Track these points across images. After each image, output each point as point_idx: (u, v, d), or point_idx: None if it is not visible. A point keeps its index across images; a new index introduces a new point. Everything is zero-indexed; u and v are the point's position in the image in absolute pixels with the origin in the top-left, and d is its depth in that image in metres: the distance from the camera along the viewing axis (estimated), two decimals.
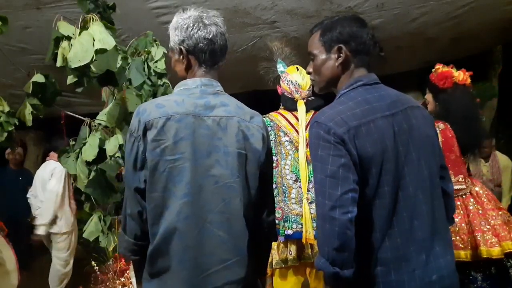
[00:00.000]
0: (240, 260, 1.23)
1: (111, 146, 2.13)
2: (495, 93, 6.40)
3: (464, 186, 2.44)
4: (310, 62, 1.35)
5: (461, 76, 2.80)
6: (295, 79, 2.62)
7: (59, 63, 2.06)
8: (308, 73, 1.37)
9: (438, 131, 2.47)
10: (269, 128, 2.39)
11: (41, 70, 2.18)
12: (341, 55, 1.28)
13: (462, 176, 2.47)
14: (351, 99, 1.24)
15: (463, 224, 2.35)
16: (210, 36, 1.28)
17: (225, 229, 1.21)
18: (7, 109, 2.25)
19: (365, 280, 1.17)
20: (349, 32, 1.27)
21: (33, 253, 5.68)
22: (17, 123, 2.25)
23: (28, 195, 3.74)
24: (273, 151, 2.33)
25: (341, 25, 1.28)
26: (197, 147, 1.21)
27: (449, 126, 2.53)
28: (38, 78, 2.12)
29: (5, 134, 2.23)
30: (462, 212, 2.37)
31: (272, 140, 2.30)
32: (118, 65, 2.05)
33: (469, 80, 2.82)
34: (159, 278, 1.23)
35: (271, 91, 7.09)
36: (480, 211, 2.35)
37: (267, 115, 2.55)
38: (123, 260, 2.49)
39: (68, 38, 2.06)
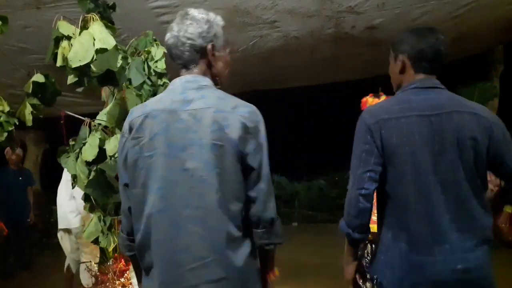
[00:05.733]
0: (221, 258, 1.18)
1: (111, 146, 2.13)
2: (496, 93, 6.39)
3: None
4: None
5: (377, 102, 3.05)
6: None
7: (59, 63, 2.06)
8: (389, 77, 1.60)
9: None
10: None
11: (41, 70, 2.17)
12: (399, 63, 1.49)
13: None
14: (396, 98, 1.47)
15: None
16: (173, 34, 1.33)
17: (201, 225, 1.18)
18: (7, 109, 2.24)
19: (387, 253, 1.39)
20: (408, 43, 1.47)
21: (33, 253, 5.69)
22: (17, 123, 2.25)
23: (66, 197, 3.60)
24: None
25: (402, 37, 1.50)
26: (172, 142, 1.21)
27: None
28: (38, 78, 2.11)
29: (5, 134, 2.23)
30: None
31: None
32: (118, 65, 2.05)
33: None
34: (150, 273, 1.26)
35: (271, 91, 7.11)
36: None
37: None
38: (123, 260, 2.49)
39: (68, 37, 2.06)
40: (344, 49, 4.83)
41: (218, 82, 1.39)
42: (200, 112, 1.22)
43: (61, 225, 3.69)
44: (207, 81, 1.32)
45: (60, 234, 3.75)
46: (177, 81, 1.33)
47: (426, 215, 1.33)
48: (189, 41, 1.30)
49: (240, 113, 1.23)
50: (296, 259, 4.22)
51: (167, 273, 1.21)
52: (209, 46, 1.32)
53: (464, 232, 1.33)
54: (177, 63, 1.35)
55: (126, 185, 1.30)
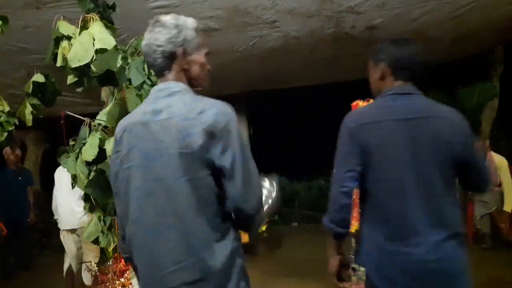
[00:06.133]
0: (196, 262, 1.22)
1: (111, 146, 2.13)
2: (496, 93, 6.39)
3: None
4: None
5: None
6: None
7: (59, 63, 2.06)
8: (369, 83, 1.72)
9: None
10: None
11: (41, 70, 2.17)
12: (379, 70, 1.62)
13: None
14: (376, 104, 1.62)
15: None
16: (144, 42, 1.37)
17: (177, 231, 1.23)
18: (7, 109, 2.24)
19: (368, 244, 1.53)
20: (387, 52, 1.60)
21: (33, 253, 5.69)
22: (17, 123, 2.25)
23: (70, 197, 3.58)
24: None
25: (382, 47, 1.63)
26: (146, 153, 1.27)
27: None
28: (38, 78, 2.11)
29: (5, 134, 2.23)
30: None
31: None
32: (118, 65, 2.04)
33: None
34: (137, 275, 1.37)
35: (271, 91, 7.11)
36: None
37: None
38: (123, 260, 2.49)
39: (68, 37, 2.06)
40: (344, 49, 4.83)
41: (196, 85, 1.40)
42: (167, 121, 1.25)
43: (65, 225, 3.68)
44: (180, 86, 1.33)
45: (63, 235, 3.73)
46: (152, 90, 1.38)
47: (401, 210, 1.45)
48: (159, 48, 1.33)
49: (204, 118, 1.23)
50: (296, 259, 4.22)
51: (148, 276, 1.29)
52: (179, 51, 1.33)
53: (436, 226, 1.44)
54: (153, 70, 1.39)
55: (116, 194, 1.41)
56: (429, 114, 1.51)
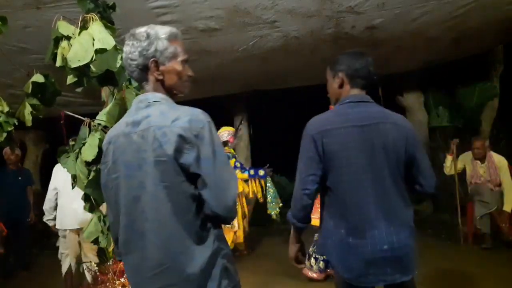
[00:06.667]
0: (175, 265, 1.28)
1: None
2: (496, 93, 6.39)
3: None
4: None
5: None
6: None
7: (58, 63, 2.06)
8: (327, 92, 1.92)
9: None
10: None
11: (41, 70, 2.17)
12: (337, 79, 1.80)
13: None
14: (335, 111, 1.78)
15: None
16: (123, 56, 1.42)
17: (158, 236, 1.30)
18: (6, 109, 2.24)
19: (332, 238, 1.70)
20: (345, 63, 1.79)
21: (33, 253, 5.69)
22: (16, 123, 2.24)
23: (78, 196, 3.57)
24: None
25: (340, 58, 1.82)
26: (129, 163, 1.34)
27: None
28: (38, 78, 2.11)
29: (5, 134, 2.22)
30: None
31: None
32: (118, 65, 2.04)
33: None
34: None
35: (271, 91, 7.10)
36: None
37: None
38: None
39: (68, 38, 2.05)
40: (344, 49, 4.80)
41: (175, 93, 1.44)
42: (145, 132, 1.31)
43: (72, 225, 3.62)
44: (157, 96, 1.38)
45: (67, 234, 3.68)
46: (133, 101, 1.44)
47: (360, 207, 1.64)
48: (133, 62, 1.38)
49: (178, 125, 1.28)
50: None
51: (135, 278, 1.37)
52: (150, 63, 1.37)
53: (389, 219, 1.64)
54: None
55: (107, 202, 1.49)
56: (380, 121, 1.70)
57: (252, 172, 5.00)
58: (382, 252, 1.62)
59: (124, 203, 1.36)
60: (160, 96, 1.38)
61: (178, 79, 1.42)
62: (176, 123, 1.28)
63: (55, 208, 3.76)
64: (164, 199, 1.28)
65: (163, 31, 1.39)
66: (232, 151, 5.17)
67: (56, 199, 3.73)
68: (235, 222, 4.87)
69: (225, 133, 5.17)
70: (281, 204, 5.16)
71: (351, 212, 1.65)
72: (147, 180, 1.29)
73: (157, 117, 1.32)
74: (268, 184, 5.12)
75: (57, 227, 3.75)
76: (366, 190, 1.64)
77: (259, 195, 5.04)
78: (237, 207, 1.45)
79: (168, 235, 1.29)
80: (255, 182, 5.06)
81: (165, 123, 1.29)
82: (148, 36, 1.37)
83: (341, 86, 1.80)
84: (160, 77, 1.39)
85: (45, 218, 3.84)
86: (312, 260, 3.86)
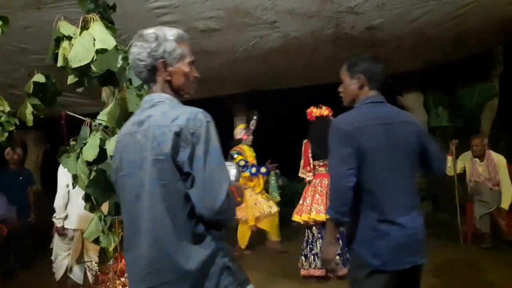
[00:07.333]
0: (169, 264, 1.28)
1: (111, 146, 2.13)
2: (496, 93, 6.39)
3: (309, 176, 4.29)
4: (341, 84, 2.02)
5: (318, 112, 4.30)
6: None
7: (59, 63, 2.06)
8: (339, 92, 2.04)
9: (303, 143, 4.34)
10: None
11: (42, 70, 2.18)
12: (356, 80, 1.93)
13: (306, 169, 4.30)
14: (359, 110, 1.90)
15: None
16: (131, 57, 1.44)
17: (151, 235, 1.31)
18: (7, 109, 2.25)
19: (362, 228, 1.82)
20: (365, 66, 1.93)
21: (33, 253, 5.69)
22: (17, 123, 2.25)
23: None
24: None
25: (359, 61, 1.95)
26: (132, 162, 1.36)
27: (309, 142, 4.30)
28: (39, 78, 2.12)
29: (6, 134, 2.23)
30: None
31: None
32: (119, 65, 2.05)
33: (326, 112, 4.28)
34: None
35: (271, 91, 7.10)
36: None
37: None
38: (123, 260, 2.49)
39: (69, 38, 2.06)
40: (344, 49, 4.84)
41: (182, 94, 1.46)
42: (147, 131, 1.33)
43: (77, 225, 3.55)
44: (162, 97, 1.40)
45: (74, 234, 3.61)
46: (141, 101, 1.47)
47: (389, 197, 1.80)
48: (141, 63, 1.40)
49: (176, 123, 1.29)
50: (296, 258, 4.23)
51: (133, 275, 1.39)
52: (159, 64, 1.39)
53: (410, 207, 1.84)
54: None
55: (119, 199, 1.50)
56: (398, 120, 1.88)
57: (254, 170, 5.01)
58: (409, 237, 1.79)
59: (127, 201, 1.39)
60: (165, 96, 1.40)
61: (185, 80, 1.44)
62: (174, 122, 1.29)
63: (67, 206, 3.64)
64: (159, 198, 1.29)
65: (171, 32, 1.41)
66: (246, 148, 5.17)
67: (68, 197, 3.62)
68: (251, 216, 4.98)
69: (238, 131, 5.25)
70: (278, 199, 5.29)
71: (382, 202, 1.79)
72: (146, 178, 1.31)
73: (158, 117, 1.34)
74: (272, 182, 5.31)
75: (66, 226, 3.63)
76: (393, 182, 1.81)
77: (257, 189, 5.12)
78: (235, 209, 1.40)
79: (162, 234, 1.29)
80: (258, 178, 5.12)
81: (165, 123, 1.30)
82: (156, 37, 1.39)
83: (361, 87, 1.93)
84: (168, 78, 1.41)
85: (56, 217, 3.65)
86: (311, 258, 3.99)
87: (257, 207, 5.06)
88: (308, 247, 4.07)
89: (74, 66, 1.97)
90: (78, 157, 2.18)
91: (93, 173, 2.13)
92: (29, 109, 2.15)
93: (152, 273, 1.31)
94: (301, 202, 4.32)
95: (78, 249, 3.66)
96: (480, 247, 4.83)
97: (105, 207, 2.40)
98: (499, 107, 6.48)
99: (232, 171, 1.54)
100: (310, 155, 4.27)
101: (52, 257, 3.75)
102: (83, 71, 2.04)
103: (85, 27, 2.06)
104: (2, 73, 4.42)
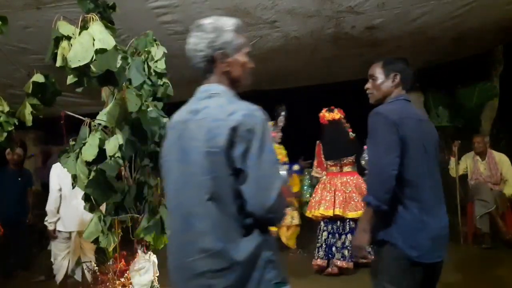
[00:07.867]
0: (221, 252, 1.29)
1: (111, 146, 2.13)
2: (496, 93, 6.39)
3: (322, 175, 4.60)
4: (369, 81, 2.07)
5: (331, 116, 4.48)
6: None
7: (59, 63, 2.06)
8: (367, 89, 2.09)
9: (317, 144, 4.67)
10: None
11: (41, 70, 2.17)
12: (392, 78, 2.01)
13: (320, 169, 4.65)
14: (398, 105, 1.96)
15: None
16: (187, 47, 1.43)
17: (206, 222, 1.31)
18: (7, 109, 2.25)
19: (402, 219, 1.82)
20: (401, 66, 2.03)
21: (33, 253, 5.69)
22: (17, 123, 2.25)
23: None
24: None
25: (395, 61, 2.05)
26: (184, 149, 1.36)
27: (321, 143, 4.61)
28: (38, 78, 2.12)
29: (5, 134, 2.23)
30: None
31: None
32: (118, 65, 2.05)
33: (338, 116, 4.47)
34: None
35: (271, 91, 7.09)
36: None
37: None
38: (123, 260, 2.49)
39: (68, 38, 2.06)
40: (344, 49, 4.83)
41: (238, 85, 1.46)
42: (202, 121, 1.33)
43: (75, 227, 3.54)
44: (219, 88, 1.40)
45: (73, 236, 3.61)
46: (197, 90, 1.46)
47: (428, 190, 1.86)
48: (200, 53, 1.39)
49: (233, 118, 1.28)
50: (297, 259, 4.23)
51: (178, 260, 1.38)
52: (218, 55, 1.38)
53: (442, 202, 1.94)
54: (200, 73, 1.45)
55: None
56: (426, 119, 2.02)
57: (285, 168, 4.97)
58: (443, 229, 1.88)
59: (174, 187, 1.41)
60: (221, 88, 1.40)
61: (243, 71, 1.45)
62: (231, 116, 1.29)
63: (59, 209, 3.65)
64: (211, 189, 1.29)
65: (230, 22, 1.41)
66: (275, 146, 5.12)
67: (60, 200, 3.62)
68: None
69: None
70: (308, 198, 5.18)
71: (424, 193, 1.83)
72: (196, 168, 1.32)
73: (214, 109, 1.33)
74: (306, 182, 5.50)
75: (59, 229, 3.63)
76: (430, 175, 1.88)
77: (295, 189, 5.19)
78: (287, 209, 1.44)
79: (213, 224, 1.30)
80: (291, 178, 5.16)
81: (222, 116, 1.30)
82: (215, 28, 1.38)
83: (397, 86, 2.01)
84: (227, 69, 1.41)
85: (49, 220, 3.67)
86: (316, 249, 4.29)
87: None
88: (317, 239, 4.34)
89: (73, 66, 1.97)
90: (77, 157, 2.18)
91: (93, 173, 2.12)
92: (28, 109, 2.15)
93: (203, 259, 1.30)
94: (312, 199, 4.58)
95: (76, 250, 3.65)
96: (480, 247, 4.83)
97: (103, 207, 2.40)
98: (499, 107, 6.48)
99: (282, 172, 1.52)
100: (322, 156, 4.53)
101: (52, 259, 3.76)
102: (82, 71, 2.03)
103: (84, 27, 2.06)
104: (1, 73, 4.42)
